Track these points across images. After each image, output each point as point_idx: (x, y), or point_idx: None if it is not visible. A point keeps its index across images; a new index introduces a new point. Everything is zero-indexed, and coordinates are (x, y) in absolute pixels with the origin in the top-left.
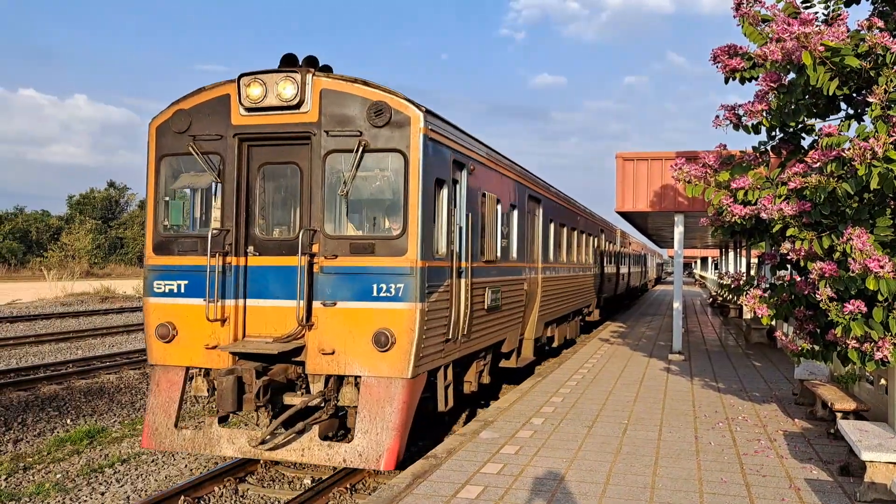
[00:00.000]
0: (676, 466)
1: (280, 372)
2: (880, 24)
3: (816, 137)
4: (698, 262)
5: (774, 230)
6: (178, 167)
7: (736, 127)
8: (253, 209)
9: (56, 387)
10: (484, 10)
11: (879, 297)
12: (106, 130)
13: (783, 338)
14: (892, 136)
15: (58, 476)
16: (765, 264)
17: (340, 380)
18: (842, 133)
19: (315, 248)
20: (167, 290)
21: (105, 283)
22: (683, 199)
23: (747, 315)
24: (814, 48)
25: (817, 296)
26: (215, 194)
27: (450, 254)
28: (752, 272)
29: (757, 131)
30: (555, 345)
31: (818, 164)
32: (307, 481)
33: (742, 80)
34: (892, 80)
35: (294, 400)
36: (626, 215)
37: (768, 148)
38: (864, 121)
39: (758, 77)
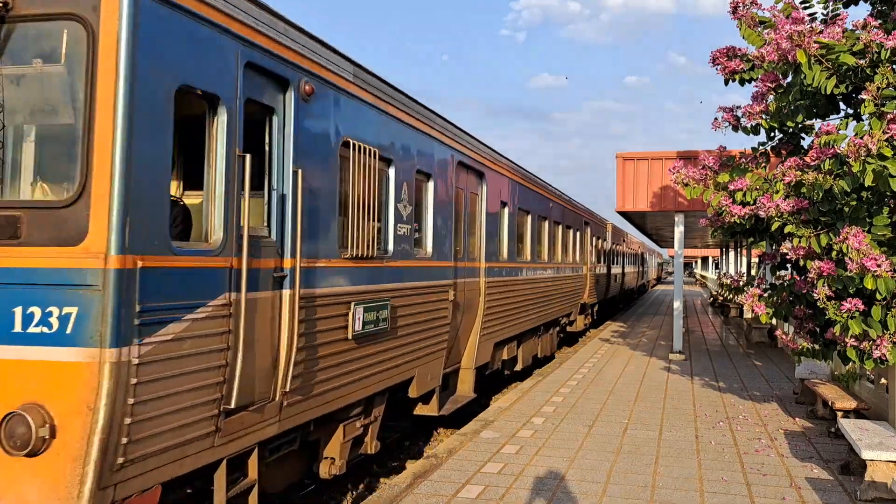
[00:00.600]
0: (677, 465)
1: None
2: (875, 23)
3: (815, 137)
4: (699, 261)
5: (773, 228)
6: None
7: (735, 129)
8: None
9: None
10: (484, 11)
11: (878, 296)
12: None
13: (784, 337)
14: (888, 132)
15: None
16: (765, 264)
17: None
18: (839, 132)
19: None
20: None
21: None
22: (683, 198)
23: (748, 314)
24: (807, 46)
25: (816, 295)
26: None
27: (233, 242)
28: (753, 272)
29: (756, 132)
30: (518, 368)
31: (815, 161)
32: None
33: (742, 82)
34: (887, 78)
35: None
36: (626, 215)
37: (768, 149)
38: (862, 120)
39: (757, 78)
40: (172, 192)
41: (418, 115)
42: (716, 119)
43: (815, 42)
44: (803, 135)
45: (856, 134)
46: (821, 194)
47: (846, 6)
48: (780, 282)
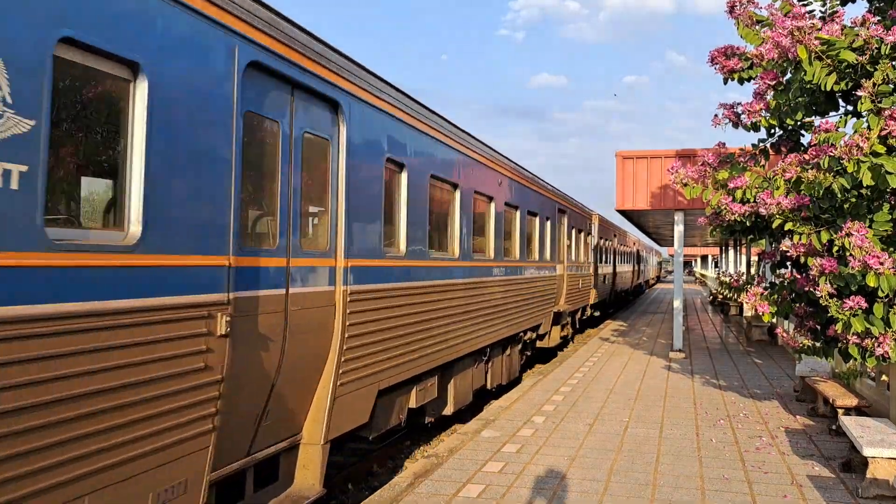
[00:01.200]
0: (678, 464)
1: None
2: (874, 19)
3: (814, 134)
4: (698, 260)
5: (774, 225)
6: None
7: (735, 126)
8: None
9: None
10: (483, 11)
11: (880, 294)
12: None
13: (784, 335)
14: (886, 129)
15: None
16: (764, 262)
17: None
18: (838, 129)
19: None
20: None
21: None
22: (683, 197)
23: (748, 313)
24: (808, 42)
25: (817, 292)
26: None
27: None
28: (753, 270)
29: (756, 129)
30: (449, 411)
31: (814, 159)
32: None
33: (741, 81)
34: (887, 74)
35: None
36: (626, 214)
37: (767, 146)
38: (861, 117)
39: (756, 77)
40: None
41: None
42: (716, 115)
43: (815, 38)
44: (803, 132)
45: (855, 131)
46: (821, 192)
47: (843, 4)
48: (781, 280)
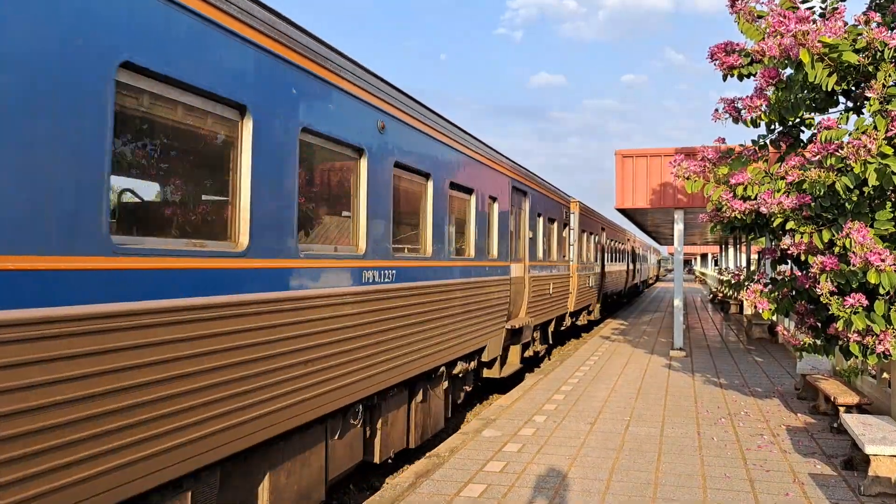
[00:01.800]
0: (679, 462)
1: None
2: (877, 18)
3: (815, 131)
4: (698, 258)
5: (775, 224)
6: None
7: (735, 120)
8: None
9: None
10: (481, 10)
11: (881, 291)
12: None
13: (785, 333)
14: (892, 129)
15: None
16: (765, 259)
17: None
18: (840, 126)
19: None
20: None
21: None
22: (683, 195)
23: (748, 311)
24: (811, 45)
25: (818, 290)
26: None
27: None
28: (753, 268)
29: (756, 125)
30: None
31: (817, 157)
32: None
33: (740, 77)
34: (890, 75)
35: None
36: (625, 212)
37: (767, 142)
38: (862, 114)
39: (756, 73)
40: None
41: None
42: (716, 110)
43: (818, 41)
44: (803, 128)
45: (856, 128)
46: (822, 190)
47: None
48: (781, 277)
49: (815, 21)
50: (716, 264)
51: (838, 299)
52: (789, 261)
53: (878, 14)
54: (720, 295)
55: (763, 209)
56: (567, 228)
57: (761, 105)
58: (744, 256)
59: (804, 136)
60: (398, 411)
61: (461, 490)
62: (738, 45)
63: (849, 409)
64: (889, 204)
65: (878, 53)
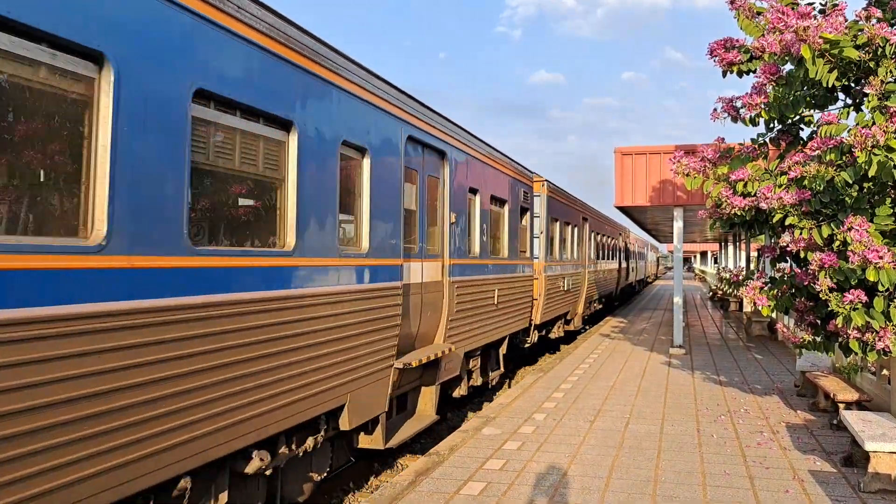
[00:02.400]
0: (679, 460)
1: None
2: (878, 14)
3: (815, 128)
4: (697, 256)
5: (774, 220)
6: None
7: (734, 119)
8: None
9: None
10: (480, 8)
11: (880, 288)
12: None
13: (784, 330)
14: (892, 125)
15: None
16: (764, 257)
17: None
18: (841, 121)
19: None
20: None
21: None
22: (682, 193)
23: (748, 308)
24: (812, 41)
25: (817, 287)
26: None
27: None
28: (752, 266)
29: (755, 123)
30: None
31: (817, 152)
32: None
33: (740, 74)
34: (891, 72)
35: None
36: (625, 210)
37: (767, 140)
38: (862, 110)
39: (755, 70)
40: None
41: None
42: (715, 109)
43: (819, 37)
44: (802, 126)
45: (857, 123)
46: (822, 185)
47: None
48: (781, 274)
49: (815, 17)
50: (715, 262)
51: (838, 296)
52: (789, 258)
53: (878, 10)
54: (720, 293)
55: (763, 205)
56: (528, 215)
57: (761, 103)
58: (743, 254)
59: (804, 135)
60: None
61: (461, 488)
62: (737, 41)
63: (848, 405)
64: (889, 200)
65: (879, 49)
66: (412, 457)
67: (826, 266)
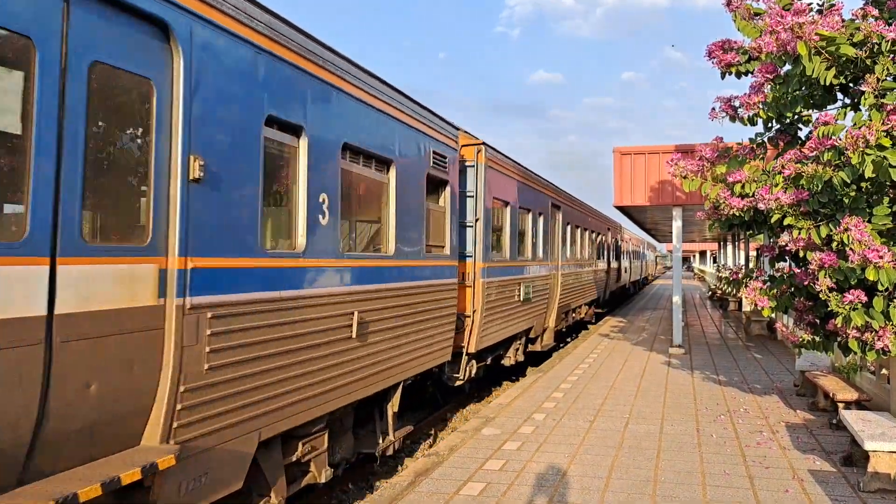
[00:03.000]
0: (679, 459)
1: None
2: (874, 12)
3: (813, 128)
4: (696, 255)
5: (773, 220)
6: None
7: (732, 119)
8: None
9: None
10: (479, 8)
11: (879, 287)
12: None
13: (784, 329)
14: (888, 123)
15: None
16: (764, 257)
17: None
18: (838, 122)
19: None
20: None
21: None
22: (681, 192)
23: (747, 308)
24: (808, 38)
25: (817, 286)
26: None
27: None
28: (752, 265)
29: (753, 123)
30: None
31: (814, 152)
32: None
33: (738, 75)
34: (888, 69)
35: None
36: (624, 210)
37: (765, 139)
38: (860, 110)
39: (754, 71)
40: None
41: None
42: (713, 109)
43: (815, 34)
44: (800, 125)
45: (854, 124)
46: (820, 186)
47: None
48: (780, 274)
49: (812, 16)
50: (714, 261)
51: (837, 296)
52: (788, 258)
53: (875, 9)
54: (719, 292)
55: (761, 205)
56: (447, 192)
57: (758, 102)
58: (742, 253)
59: (802, 134)
60: None
61: (460, 489)
62: (735, 42)
63: (848, 405)
64: (886, 199)
65: (876, 47)
66: (411, 457)
67: (826, 265)
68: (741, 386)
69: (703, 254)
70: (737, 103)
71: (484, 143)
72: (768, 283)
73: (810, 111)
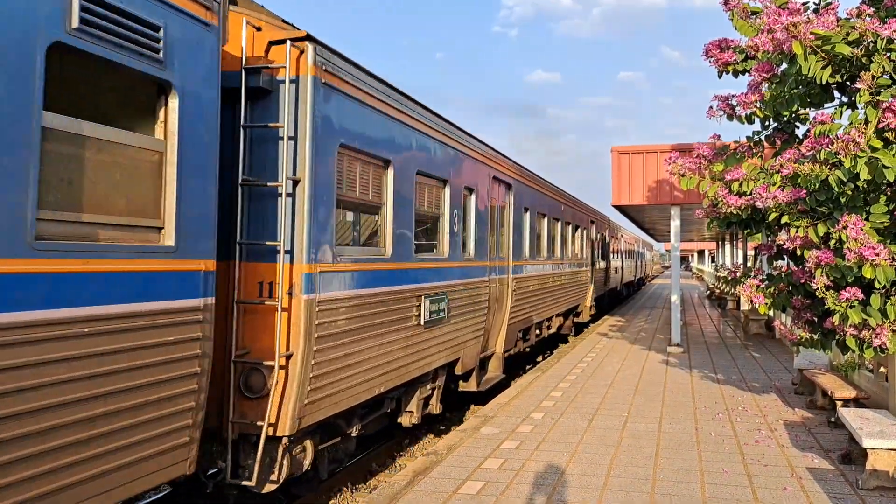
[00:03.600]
0: (677, 458)
1: None
2: (869, 11)
3: (810, 126)
4: (695, 255)
5: (770, 219)
6: None
7: (730, 117)
8: None
9: None
10: (478, 8)
11: (876, 285)
12: None
13: (781, 328)
14: (884, 121)
15: None
16: (762, 255)
17: None
18: (834, 121)
19: None
20: None
21: None
22: (679, 192)
23: (745, 306)
24: (804, 37)
25: (814, 284)
26: None
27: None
28: (750, 264)
29: (751, 122)
30: None
31: (811, 152)
32: None
33: (735, 74)
34: (883, 67)
35: None
36: (622, 209)
37: (762, 138)
38: (857, 108)
39: (751, 69)
40: None
41: None
42: (711, 107)
43: (811, 33)
44: (798, 123)
45: (850, 122)
46: (817, 184)
47: None
48: (778, 272)
49: (807, 15)
50: (713, 261)
51: (834, 294)
52: (786, 256)
53: (870, 7)
54: (717, 291)
55: (758, 204)
56: (172, 110)
57: (756, 101)
58: (740, 252)
59: (799, 133)
60: None
61: (459, 487)
62: (732, 41)
63: (846, 403)
64: (883, 198)
65: (871, 45)
66: (410, 456)
67: (823, 263)
68: (739, 384)
69: (701, 253)
70: (734, 102)
71: (311, 38)
72: (766, 282)
73: (807, 109)
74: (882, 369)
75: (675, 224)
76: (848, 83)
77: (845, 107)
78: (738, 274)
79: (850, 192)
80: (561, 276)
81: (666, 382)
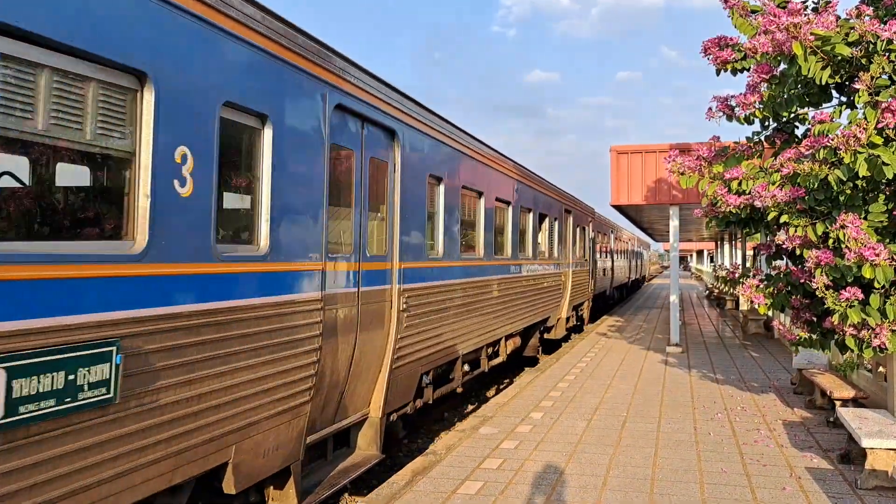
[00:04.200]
0: (676, 458)
1: None
2: (869, 11)
3: (809, 126)
4: (694, 255)
5: (769, 218)
6: None
7: (729, 118)
8: None
9: None
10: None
11: (876, 285)
12: None
13: (780, 327)
14: (882, 121)
15: None
16: (761, 255)
17: None
18: (833, 120)
19: None
20: None
21: None
22: (678, 191)
23: (744, 306)
24: (803, 38)
25: (813, 284)
26: None
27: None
28: (749, 264)
29: (750, 122)
30: None
31: (810, 151)
32: None
33: (734, 72)
34: (883, 68)
35: None
36: (621, 209)
37: (762, 138)
38: (856, 108)
39: (749, 68)
40: None
41: None
42: (710, 108)
43: (810, 34)
44: (797, 124)
45: (850, 122)
46: (816, 183)
47: None
48: (777, 272)
49: (807, 15)
50: (711, 261)
51: (833, 293)
52: (785, 256)
53: (869, 7)
54: (716, 291)
55: (757, 203)
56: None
57: (755, 102)
58: (739, 252)
59: (798, 133)
60: None
61: (458, 488)
62: (731, 39)
63: (845, 403)
64: (882, 197)
65: (871, 46)
66: (409, 456)
67: (822, 263)
68: (738, 384)
69: (700, 253)
70: (733, 103)
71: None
72: (765, 281)
73: (806, 109)
74: (881, 369)
75: (673, 224)
76: (847, 84)
77: (844, 106)
78: (737, 274)
79: (848, 192)
80: (515, 281)
81: (665, 382)
